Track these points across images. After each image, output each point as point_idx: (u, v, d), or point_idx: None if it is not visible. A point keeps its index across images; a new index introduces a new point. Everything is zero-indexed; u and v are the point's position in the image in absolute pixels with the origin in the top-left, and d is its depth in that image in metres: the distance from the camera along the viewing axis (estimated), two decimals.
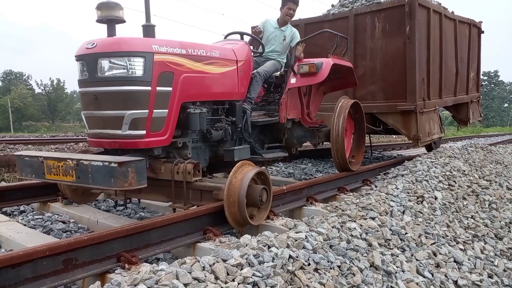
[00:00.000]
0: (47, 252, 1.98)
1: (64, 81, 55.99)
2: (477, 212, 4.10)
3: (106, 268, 2.16)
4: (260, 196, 2.93)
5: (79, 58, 3.01)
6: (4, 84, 56.21)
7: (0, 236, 2.81)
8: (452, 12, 7.16)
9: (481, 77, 10.26)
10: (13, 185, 3.81)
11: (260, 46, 4.42)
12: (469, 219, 3.90)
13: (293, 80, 4.42)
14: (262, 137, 4.48)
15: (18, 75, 59.19)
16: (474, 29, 7.99)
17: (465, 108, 8.01)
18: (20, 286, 1.89)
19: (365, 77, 6.17)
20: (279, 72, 4.72)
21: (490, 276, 2.95)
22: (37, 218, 3.35)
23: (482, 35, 8.41)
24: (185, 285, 1.78)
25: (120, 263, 2.21)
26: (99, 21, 3.00)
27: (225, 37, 4.58)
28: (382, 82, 6.10)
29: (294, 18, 4.91)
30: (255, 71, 4.19)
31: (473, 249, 3.31)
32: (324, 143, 5.20)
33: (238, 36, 4.35)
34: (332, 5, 7.48)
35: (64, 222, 3.30)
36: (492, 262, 3.18)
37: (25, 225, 3.15)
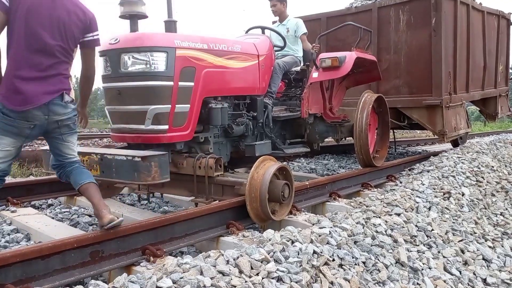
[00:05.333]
0: (75, 244, 2.02)
1: None
2: (506, 209, 3.98)
3: (131, 261, 2.19)
4: (282, 191, 2.91)
5: (102, 53, 3.05)
6: None
7: (30, 228, 2.89)
8: (480, 4, 6.93)
9: (510, 70, 9.91)
10: (41, 179, 3.91)
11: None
12: (498, 216, 3.79)
13: (315, 75, 4.36)
14: (283, 132, 4.45)
15: None
16: (503, 20, 7.70)
17: (493, 102, 7.76)
18: (49, 277, 1.94)
19: (389, 71, 6.04)
20: (299, 67, 4.67)
21: None
22: (65, 211, 3.43)
23: (511, 26, 8.11)
24: (210, 278, 1.78)
25: (145, 256, 2.23)
26: (122, 16, 3.03)
27: (246, 32, 4.56)
28: (406, 76, 5.96)
29: (316, 12, 4.82)
30: (274, 63, 4.15)
31: (502, 246, 3.21)
32: (347, 138, 5.12)
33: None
34: None
35: (90, 216, 3.35)
36: None
37: (53, 218, 3.23)
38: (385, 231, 2.71)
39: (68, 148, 2.41)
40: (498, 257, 2.99)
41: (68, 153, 2.42)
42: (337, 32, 5.25)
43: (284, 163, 3.26)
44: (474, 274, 2.68)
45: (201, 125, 3.30)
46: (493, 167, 4.97)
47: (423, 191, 3.70)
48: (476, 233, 3.25)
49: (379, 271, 2.28)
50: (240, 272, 1.89)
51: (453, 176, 4.28)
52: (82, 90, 2.57)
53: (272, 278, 1.88)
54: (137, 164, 2.56)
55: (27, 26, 2.11)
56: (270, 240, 2.26)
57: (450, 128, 5.82)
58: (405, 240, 2.71)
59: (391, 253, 2.51)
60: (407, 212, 3.14)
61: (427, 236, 2.88)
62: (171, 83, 2.94)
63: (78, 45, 2.35)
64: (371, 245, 2.47)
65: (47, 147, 3.14)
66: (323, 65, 4.29)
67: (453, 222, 3.27)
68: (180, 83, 2.98)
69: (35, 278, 1.90)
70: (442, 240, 2.91)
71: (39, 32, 2.13)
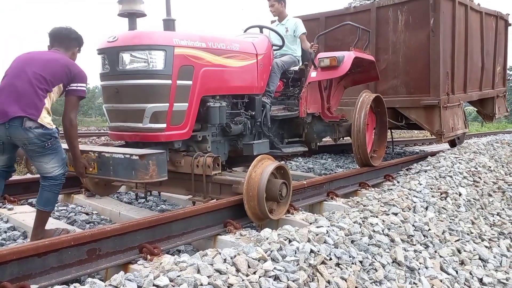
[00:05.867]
0: (72, 242, 2.02)
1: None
2: (503, 209, 3.99)
3: (128, 259, 2.19)
4: (280, 190, 2.91)
5: (100, 51, 3.05)
6: None
7: (26, 226, 2.89)
8: (478, 4, 6.94)
9: (508, 71, 9.94)
10: (38, 177, 3.84)
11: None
12: (494, 216, 3.80)
13: (313, 74, 4.36)
14: (281, 131, 4.45)
15: None
16: (501, 21, 7.73)
17: (490, 103, 7.78)
18: (46, 275, 1.93)
19: (387, 71, 6.04)
20: (297, 67, 4.67)
21: None
22: (62, 209, 3.42)
23: (509, 28, 8.13)
24: (207, 277, 1.78)
25: (142, 254, 2.23)
26: (121, 15, 3.02)
27: (245, 31, 4.56)
28: (404, 76, 5.97)
29: (315, 11, 4.81)
30: (273, 62, 4.15)
31: (499, 246, 3.22)
32: (345, 138, 5.13)
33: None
34: None
35: (87, 214, 3.36)
36: None
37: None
38: (382, 231, 2.71)
39: (40, 166, 2.56)
40: (495, 257, 3.00)
41: (40, 169, 2.58)
42: (336, 32, 5.25)
43: (282, 162, 3.26)
44: (471, 273, 2.69)
45: (199, 124, 3.30)
46: (490, 167, 4.99)
47: (420, 191, 3.71)
48: (472, 233, 3.26)
49: (376, 271, 2.28)
50: (237, 270, 1.89)
51: (450, 176, 4.29)
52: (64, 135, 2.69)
53: (269, 277, 1.88)
54: (135, 163, 2.56)
55: (18, 62, 2.55)
56: (267, 239, 2.26)
57: (447, 128, 5.83)
58: (402, 240, 2.71)
59: (388, 252, 2.52)
60: (404, 211, 3.14)
61: (424, 235, 2.89)
62: (169, 81, 2.93)
63: (64, 92, 2.60)
64: (368, 245, 2.47)
65: None
66: (321, 64, 4.29)
67: (450, 222, 3.28)
68: (178, 82, 2.97)
69: (32, 276, 1.90)
70: (439, 240, 2.91)
71: (23, 67, 2.49)
